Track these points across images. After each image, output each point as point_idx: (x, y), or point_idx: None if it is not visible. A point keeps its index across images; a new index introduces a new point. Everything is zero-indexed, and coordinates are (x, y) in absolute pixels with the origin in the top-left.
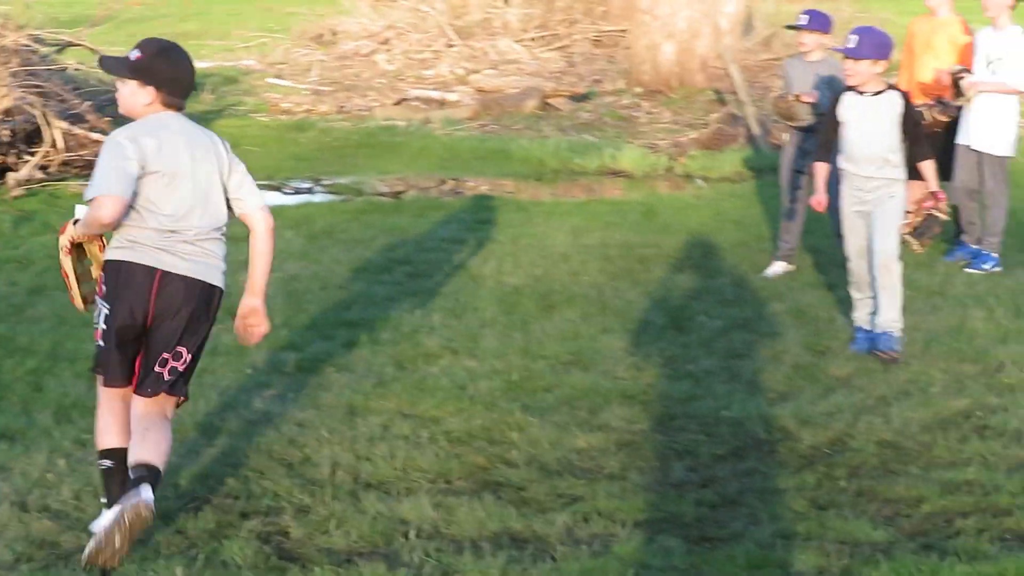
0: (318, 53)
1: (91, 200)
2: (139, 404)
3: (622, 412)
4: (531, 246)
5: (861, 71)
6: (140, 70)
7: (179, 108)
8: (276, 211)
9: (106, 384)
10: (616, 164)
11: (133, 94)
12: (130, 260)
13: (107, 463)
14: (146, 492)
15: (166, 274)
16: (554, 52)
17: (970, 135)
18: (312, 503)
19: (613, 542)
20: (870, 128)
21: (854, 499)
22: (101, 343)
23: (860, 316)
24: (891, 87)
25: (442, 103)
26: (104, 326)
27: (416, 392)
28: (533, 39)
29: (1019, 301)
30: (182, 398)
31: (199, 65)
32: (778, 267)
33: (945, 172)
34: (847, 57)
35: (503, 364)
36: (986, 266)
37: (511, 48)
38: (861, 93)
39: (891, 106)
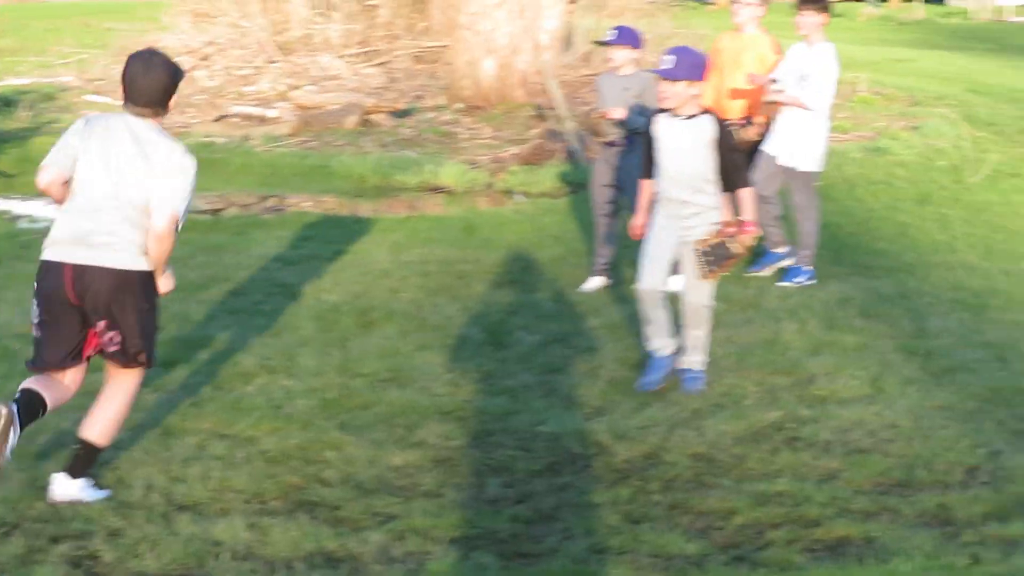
0: None
1: None
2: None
3: (439, 429)
4: (351, 263)
5: (677, 92)
6: None
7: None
8: None
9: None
10: (437, 180)
11: None
12: None
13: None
14: (11, 407)
15: None
16: (375, 68)
17: (778, 149)
18: (124, 526)
19: (428, 560)
20: (684, 152)
21: (667, 512)
22: None
23: (656, 344)
24: (706, 111)
25: (263, 119)
26: None
27: (232, 412)
28: (354, 55)
29: (831, 313)
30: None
31: (15, 82)
32: (595, 282)
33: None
34: (662, 79)
35: (320, 382)
36: (799, 279)
37: (332, 64)
38: (676, 116)
39: (704, 131)
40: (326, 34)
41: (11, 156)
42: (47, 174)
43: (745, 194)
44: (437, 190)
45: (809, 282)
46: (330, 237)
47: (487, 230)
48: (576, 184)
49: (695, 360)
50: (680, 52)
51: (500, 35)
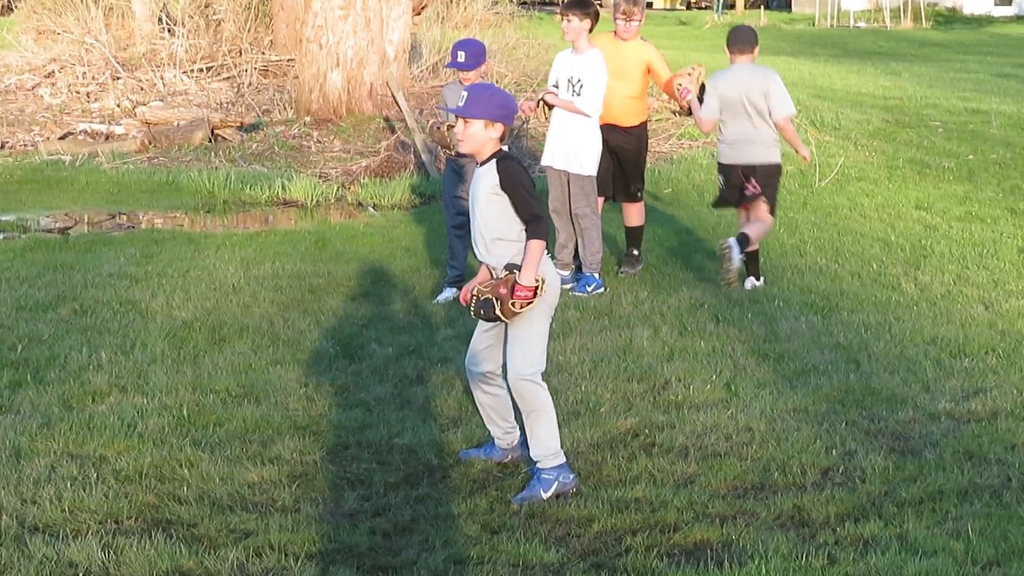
0: None
1: None
2: None
3: (294, 444)
4: (201, 279)
5: (472, 136)
6: None
7: None
8: None
9: None
10: (287, 194)
11: None
12: None
13: None
14: None
15: None
16: (222, 83)
17: (555, 156)
18: None
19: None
20: (480, 207)
21: (526, 521)
22: None
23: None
24: (496, 155)
25: (109, 136)
26: None
27: (84, 431)
28: (201, 70)
29: (684, 319)
30: None
31: None
32: (449, 293)
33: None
34: (458, 116)
35: (173, 399)
36: (590, 288)
37: (178, 79)
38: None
39: (489, 178)
40: (171, 49)
41: None
42: None
43: (533, 247)
44: (288, 204)
45: (599, 291)
46: (179, 254)
47: (339, 243)
48: (427, 195)
49: (537, 454)
50: (479, 91)
51: (346, 47)
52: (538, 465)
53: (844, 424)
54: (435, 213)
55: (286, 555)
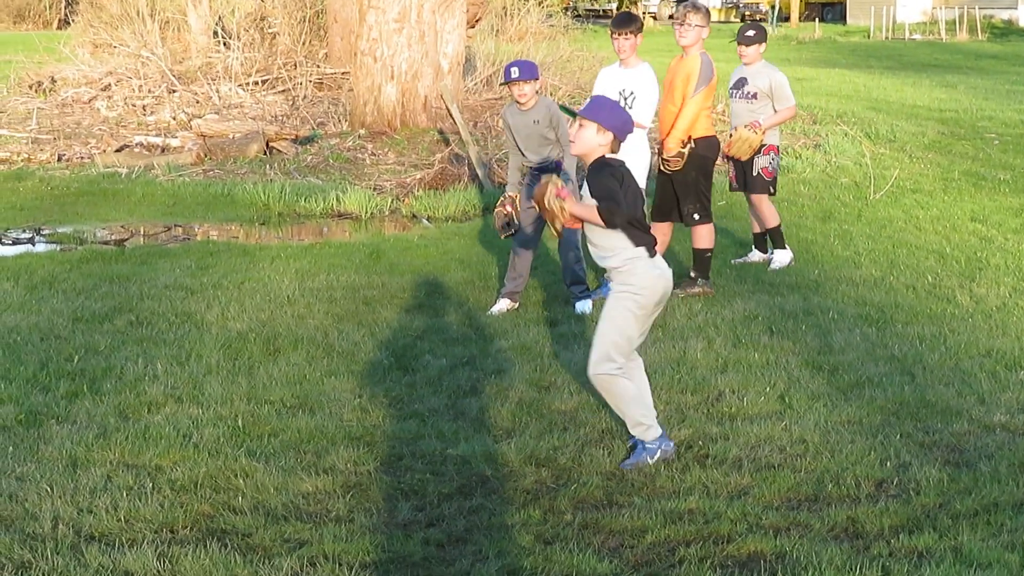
0: (37, 101)
1: None
2: None
3: (348, 454)
4: (256, 290)
5: (583, 139)
6: None
7: None
8: None
9: None
10: (342, 206)
11: None
12: None
13: None
14: None
15: None
16: (277, 96)
17: None
18: (33, 559)
19: None
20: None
21: (579, 532)
22: None
23: None
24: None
25: (165, 149)
26: None
27: (139, 442)
28: (256, 83)
29: (738, 331)
30: None
31: None
32: (503, 304)
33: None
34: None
35: (228, 410)
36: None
37: (234, 92)
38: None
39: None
40: (226, 62)
41: None
42: None
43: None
44: (342, 216)
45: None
46: (234, 265)
47: (393, 255)
48: (482, 208)
49: (635, 432)
50: (598, 99)
51: (400, 60)
52: (639, 439)
53: (898, 436)
54: (489, 226)
55: (340, 565)
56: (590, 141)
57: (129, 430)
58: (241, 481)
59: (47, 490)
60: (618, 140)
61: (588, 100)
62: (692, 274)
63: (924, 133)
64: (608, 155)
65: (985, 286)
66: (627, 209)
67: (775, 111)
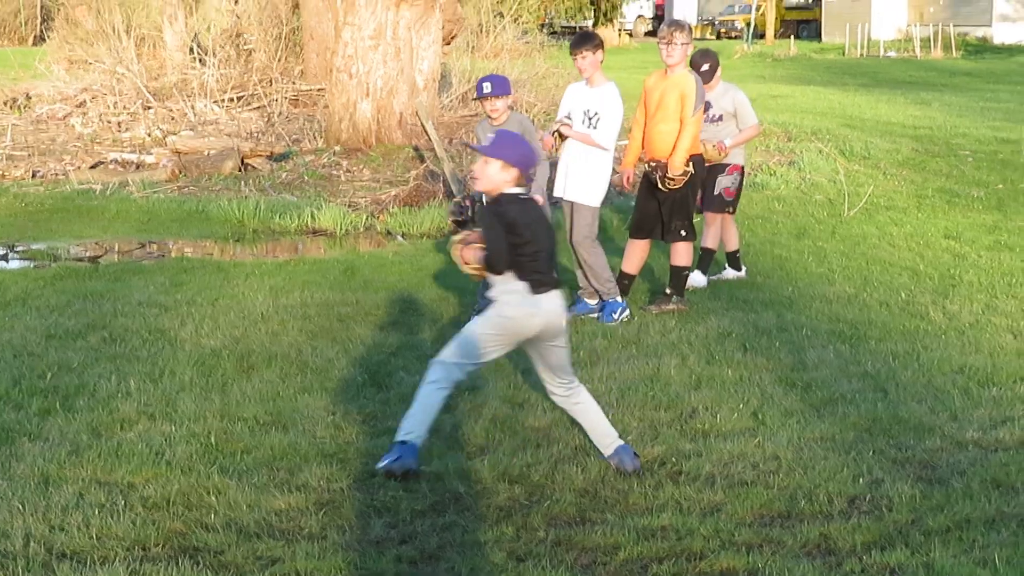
0: (11, 117)
1: None
2: None
3: (321, 471)
4: (230, 307)
5: (488, 175)
6: None
7: None
8: None
9: None
10: (317, 223)
11: None
12: None
13: None
14: None
15: None
16: (253, 112)
17: (565, 186)
18: None
19: None
20: None
21: (552, 549)
22: None
23: None
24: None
25: (139, 165)
26: None
27: (112, 459)
28: (231, 100)
29: (711, 348)
30: None
31: None
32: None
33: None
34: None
35: (201, 427)
36: (616, 315)
37: (209, 109)
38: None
39: None
40: (202, 79)
41: None
42: None
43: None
44: (317, 233)
45: (625, 315)
46: (208, 282)
47: (368, 272)
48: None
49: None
50: (503, 134)
51: (376, 77)
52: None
53: (871, 453)
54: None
55: None
56: (494, 178)
57: (102, 447)
58: (214, 498)
59: (18, 508)
60: (524, 174)
61: (492, 136)
62: (668, 291)
63: (898, 150)
64: (510, 190)
65: (958, 303)
66: (504, 256)
67: (739, 130)
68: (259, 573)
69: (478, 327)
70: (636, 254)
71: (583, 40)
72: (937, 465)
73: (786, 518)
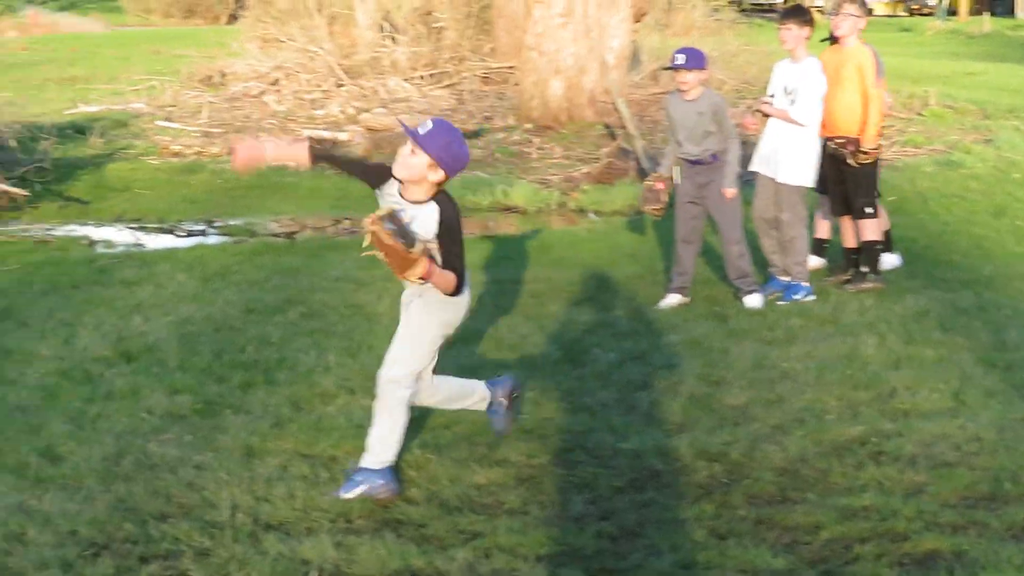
0: (207, 95)
1: None
2: None
3: (521, 447)
4: None
5: (413, 166)
6: None
7: None
8: (168, 254)
9: None
10: (509, 200)
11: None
12: None
13: None
14: None
15: None
16: (444, 90)
17: (769, 164)
18: (212, 546)
19: None
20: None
21: (753, 527)
22: None
23: None
24: (437, 197)
25: (333, 142)
26: None
27: (313, 432)
28: (422, 77)
29: (909, 327)
30: None
31: (87, 110)
32: (672, 299)
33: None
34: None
35: None
36: (798, 296)
37: (400, 87)
38: None
39: (428, 221)
40: (393, 57)
41: (85, 183)
42: None
43: (445, 276)
44: (509, 210)
45: (809, 298)
46: None
47: (560, 249)
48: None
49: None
50: (440, 126)
51: (566, 55)
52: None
53: None
54: (656, 220)
55: (515, 557)
56: (416, 173)
57: (303, 420)
58: (415, 472)
59: (224, 479)
60: (448, 178)
61: (428, 122)
62: (863, 268)
63: None
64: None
65: None
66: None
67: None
68: (461, 547)
69: (423, 334)
70: (851, 228)
71: (791, 13)
72: None
73: (991, 500)
